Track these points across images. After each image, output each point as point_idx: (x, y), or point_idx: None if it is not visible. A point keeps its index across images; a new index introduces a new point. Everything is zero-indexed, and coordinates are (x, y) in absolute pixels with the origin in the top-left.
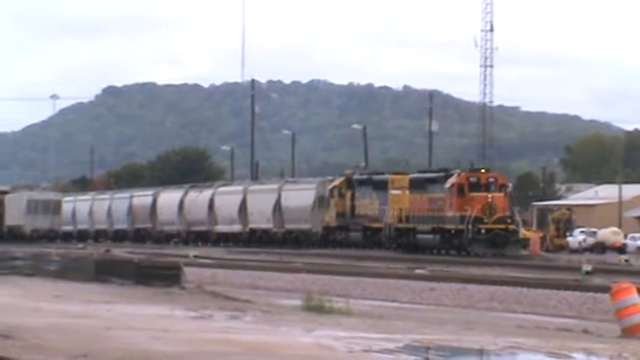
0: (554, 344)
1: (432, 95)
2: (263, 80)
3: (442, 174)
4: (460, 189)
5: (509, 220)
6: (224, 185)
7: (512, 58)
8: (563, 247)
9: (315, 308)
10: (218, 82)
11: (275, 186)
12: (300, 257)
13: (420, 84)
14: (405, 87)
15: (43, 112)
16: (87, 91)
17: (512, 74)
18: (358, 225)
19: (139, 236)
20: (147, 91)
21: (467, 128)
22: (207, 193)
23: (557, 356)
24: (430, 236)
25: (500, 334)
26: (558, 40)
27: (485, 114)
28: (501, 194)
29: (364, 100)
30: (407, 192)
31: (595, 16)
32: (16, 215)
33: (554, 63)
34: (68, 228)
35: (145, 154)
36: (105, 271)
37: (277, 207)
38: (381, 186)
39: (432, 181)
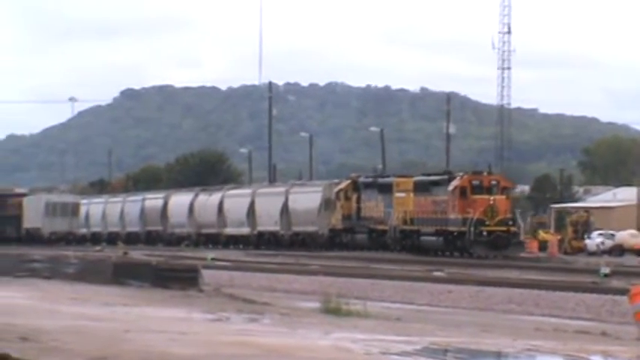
0: (573, 347)
1: (449, 97)
2: (280, 83)
3: (445, 177)
4: (463, 191)
5: (510, 223)
6: (233, 188)
7: (529, 59)
8: (581, 250)
9: (333, 310)
10: (236, 85)
11: (282, 189)
12: (317, 260)
13: (437, 86)
14: (423, 89)
15: (61, 115)
16: (105, 94)
17: (530, 76)
18: (364, 227)
19: (150, 239)
20: (165, 93)
21: (484, 130)
22: (216, 196)
23: (575, 359)
24: (434, 238)
25: (519, 336)
26: (576, 42)
27: (502, 116)
28: (503, 197)
29: (382, 102)
30: (411, 194)
31: (613, 18)
32: (34, 218)
33: (572, 65)
34: (82, 230)
35: (163, 157)
36: (123, 274)
37: (285, 209)
38: (386, 189)
39: (436, 183)
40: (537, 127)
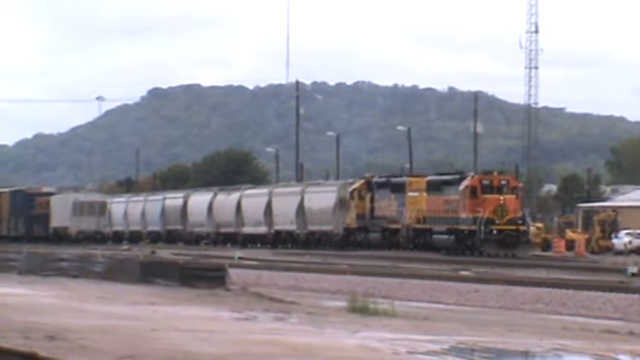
0: (600, 346)
1: (476, 97)
2: (308, 82)
3: (457, 177)
4: (473, 191)
5: (520, 222)
6: (250, 188)
7: (557, 59)
8: (609, 249)
9: (360, 310)
10: (263, 84)
11: (298, 189)
12: (344, 259)
13: (465, 85)
14: (450, 88)
15: (88, 114)
16: (132, 93)
17: (558, 75)
18: (377, 226)
19: (170, 237)
20: (192, 92)
21: (512, 130)
22: (234, 196)
23: (603, 358)
24: (445, 237)
25: (546, 335)
26: (603, 41)
27: (530, 115)
28: (513, 196)
29: (409, 101)
30: (424, 194)
31: None
32: (61, 217)
33: (600, 64)
34: (105, 229)
35: (190, 156)
36: (150, 273)
37: (300, 209)
38: (399, 188)
39: (448, 183)
40: (564, 126)
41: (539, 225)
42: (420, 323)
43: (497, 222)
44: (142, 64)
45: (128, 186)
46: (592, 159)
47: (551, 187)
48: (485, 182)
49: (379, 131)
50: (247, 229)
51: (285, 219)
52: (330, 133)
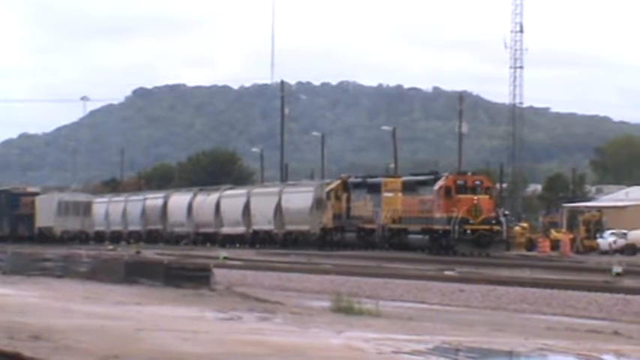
0: (585, 346)
1: (461, 97)
2: (292, 82)
3: (432, 177)
4: (447, 191)
5: (494, 221)
6: (230, 189)
7: (542, 59)
8: (594, 249)
9: (345, 310)
10: (247, 84)
11: (276, 189)
12: (328, 259)
13: (449, 85)
14: (435, 88)
15: (73, 114)
16: (117, 93)
17: (543, 75)
18: (353, 226)
19: (151, 237)
20: (177, 92)
21: (497, 130)
22: (214, 196)
23: (587, 358)
24: (420, 236)
25: (530, 335)
26: (588, 41)
27: (515, 115)
28: (487, 196)
29: (394, 101)
30: (399, 194)
31: (625, 17)
32: (46, 216)
33: (585, 64)
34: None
35: (175, 156)
36: (135, 273)
37: (278, 209)
38: (375, 189)
39: (423, 183)
40: (549, 126)
41: (524, 225)
42: (404, 323)
43: (471, 222)
44: (126, 64)
45: (113, 186)
46: (577, 159)
47: (536, 187)
48: (460, 182)
49: (364, 131)
50: (226, 229)
51: (263, 219)
52: (315, 133)
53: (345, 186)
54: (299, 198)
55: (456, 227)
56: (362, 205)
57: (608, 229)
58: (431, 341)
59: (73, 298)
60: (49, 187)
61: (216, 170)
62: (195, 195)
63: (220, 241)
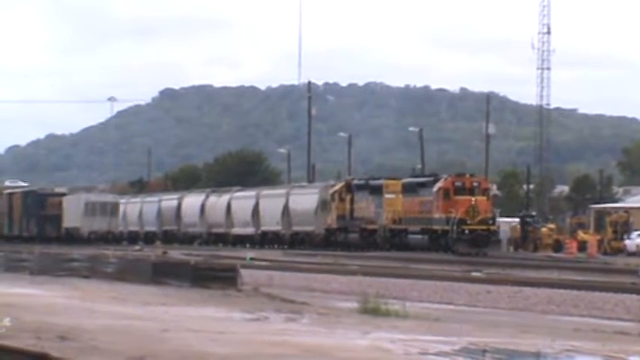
0: (612, 347)
1: (489, 98)
2: (320, 82)
3: (431, 179)
4: (446, 193)
5: (490, 222)
6: (240, 190)
7: (569, 60)
8: (621, 250)
9: (372, 311)
10: (275, 85)
11: (283, 191)
12: (355, 259)
13: (476, 86)
14: (462, 89)
15: (100, 115)
16: (144, 94)
17: (570, 76)
18: (356, 227)
19: (166, 237)
20: (204, 93)
21: (524, 131)
22: (225, 197)
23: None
24: (419, 236)
25: (557, 337)
26: (616, 42)
27: (542, 116)
28: (484, 197)
29: (421, 102)
30: (400, 196)
31: None
32: (73, 217)
33: (612, 65)
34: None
35: (202, 157)
36: (162, 273)
37: (285, 210)
38: (377, 190)
39: (422, 185)
40: (577, 127)
41: (552, 226)
42: (431, 324)
43: (468, 222)
44: (153, 65)
45: (140, 186)
46: (604, 160)
47: (563, 188)
48: (458, 184)
49: (391, 132)
50: (236, 230)
51: (271, 220)
52: (342, 134)
53: (349, 188)
54: (305, 200)
55: (454, 227)
56: (364, 207)
57: (636, 230)
58: (457, 342)
59: (100, 299)
60: (76, 188)
61: (243, 171)
62: (207, 196)
63: (231, 241)
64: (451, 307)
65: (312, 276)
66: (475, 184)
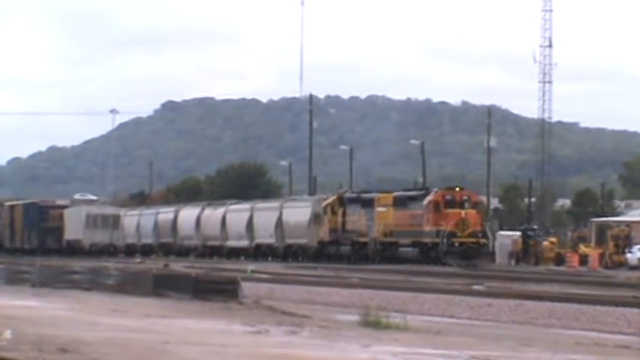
0: None
1: (490, 111)
2: (321, 95)
3: (422, 192)
4: (436, 206)
5: (480, 235)
6: (235, 203)
7: (571, 73)
8: (622, 264)
9: (373, 324)
10: (276, 97)
11: (277, 204)
12: (356, 272)
13: (478, 99)
14: (464, 102)
15: (102, 127)
16: (146, 106)
17: (571, 90)
18: (348, 239)
19: (163, 250)
20: (205, 105)
21: (525, 144)
22: (220, 210)
23: None
24: (410, 249)
25: (559, 350)
26: (618, 56)
27: (543, 130)
28: (474, 211)
29: (422, 115)
30: (391, 209)
31: None
32: (74, 229)
33: (614, 79)
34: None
35: (204, 169)
36: (163, 286)
37: (279, 223)
38: (369, 204)
39: (413, 198)
40: (578, 140)
41: (553, 239)
42: (432, 337)
43: (458, 235)
44: (155, 77)
45: (141, 199)
46: (605, 173)
47: (565, 202)
48: (448, 197)
49: (393, 145)
50: (231, 243)
51: (265, 233)
52: (344, 147)
53: (341, 201)
54: (298, 213)
55: (444, 240)
56: (356, 220)
57: (637, 244)
58: (459, 356)
59: (101, 311)
60: (77, 200)
61: (244, 184)
62: (203, 209)
63: (226, 254)
64: (452, 320)
65: (313, 289)
66: (465, 197)
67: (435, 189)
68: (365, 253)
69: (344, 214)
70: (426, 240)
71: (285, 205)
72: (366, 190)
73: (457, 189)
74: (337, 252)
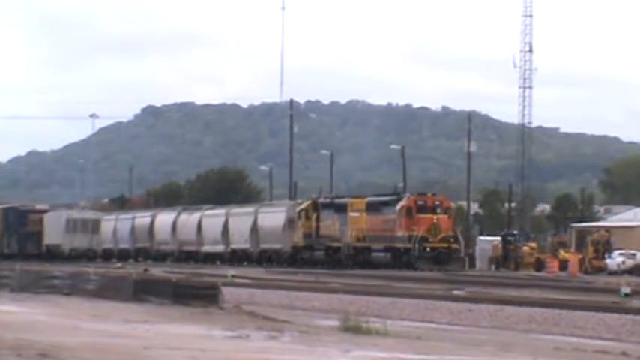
0: None
1: (470, 116)
2: (302, 100)
3: (394, 197)
4: (409, 211)
5: (452, 240)
6: (211, 208)
7: (551, 78)
8: (602, 269)
9: (353, 329)
10: (257, 102)
11: (252, 209)
12: (337, 277)
13: (458, 105)
14: (444, 107)
15: (82, 131)
16: (126, 111)
17: (552, 95)
18: (321, 244)
19: (139, 255)
20: (186, 110)
21: (505, 149)
22: (196, 215)
23: None
24: (382, 254)
25: (539, 355)
26: (598, 62)
27: (524, 135)
28: (445, 216)
29: (403, 120)
30: (364, 214)
31: (635, 38)
32: (54, 234)
33: (594, 84)
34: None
35: (184, 174)
36: (143, 291)
37: (254, 228)
38: (342, 209)
39: (386, 204)
40: (558, 146)
41: (533, 245)
42: (412, 342)
43: (430, 240)
44: (135, 82)
45: (121, 204)
46: (585, 179)
47: (545, 207)
48: (420, 203)
49: (373, 150)
50: (206, 248)
51: (240, 238)
52: (324, 152)
53: (315, 206)
54: (272, 218)
55: (417, 245)
56: (330, 225)
57: (617, 249)
58: None
59: (81, 316)
60: (57, 205)
61: (224, 188)
62: (179, 214)
63: (202, 259)
64: (432, 325)
65: (294, 294)
66: (437, 202)
67: (408, 194)
68: (338, 258)
69: (318, 220)
70: (398, 245)
71: (260, 211)
72: (340, 195)
73: (429, 194)
74: (311, 257)
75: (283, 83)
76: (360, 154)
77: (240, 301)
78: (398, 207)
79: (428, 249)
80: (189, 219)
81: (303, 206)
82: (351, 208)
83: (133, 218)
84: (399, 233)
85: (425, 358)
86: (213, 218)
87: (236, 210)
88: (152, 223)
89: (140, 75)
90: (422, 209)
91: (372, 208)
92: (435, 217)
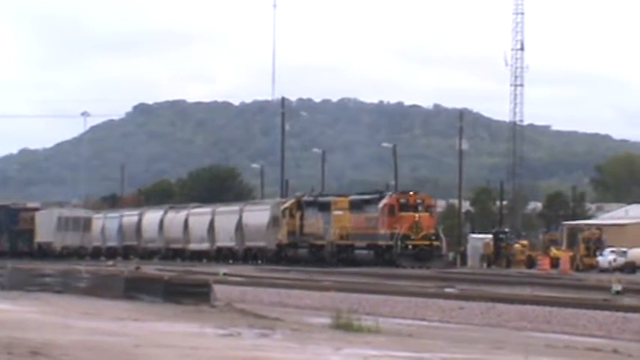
0: None
1: (462, 114)
2: (293, 98)
3: (377, 196)
4: (391, 209)
5: (433, 237)
6: (197, 207)
7: (543, 76)
8: (593, 267)
9: (344, 326)
10: (248, 100)
11: (237, 207)
12: (328, 275)
13: (450, 102)
14: (436, 105)
15: (73, 130)
16: (117, 109)
17: (543, 93)
18: (305, 242)
19: (127, 253)
20: (177, 108)
21: (497, 147)
22: (182, 214)
23: None
24: (365, 252)
25: (530, 353)
26: (589, 59)
27: (515, 133)
28: (427, 214)
29: (394, 118)
30: (347, 212)
31: (626, 35)
32: (46, 232)
33: (585, 82)
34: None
35: (176, 172)
36: (134, 289)
37: (239, 226)
38: (326, 207)
39: (368, 202)
40: (550, 143)
41: (524, 242)
42: (404, 340)
43: (412, 237)
44: (127, 80)
45: (113, 202)
46: (577, 177)
47: (536, 205)
48: (402, 201)
49: (365, 148)
50: (193, 246)
51: (225, 236)
52: (316, 150)
53: (299, 204)
54: (257, 216)
55: (399, 243)
56: (314, 223)
57: (608, 246)
58: (431, 358)
59: (72, 314)
60: (48, 203)
61: (216, 186)
62: (166, 212)
63: (188, 256)
64: (424, 323)
65: (286, 292)
66: (419, 201)
67: (390, 192)
68: (322, 256)
69: (302, 218)
70: (380, 242)
71: (245, 209)
72: (322, 193)
73: (411, 193)
74: (295, 254)
75: (275, 81)
76: (351, 152)
77: (232, 299)
78: (380, 205)
79: (410, 247)
80: (175, 217)
81: (287, 204)
82: (335, 206)
83: (121, 216)
84: (382, 231)
85: (416, 355)
86: (199, 216)
87: (222, 208)
88: (140, 221)
89: (132, 73)
90: (404, 207)
91: (355, 206)
92: (416, 215)
